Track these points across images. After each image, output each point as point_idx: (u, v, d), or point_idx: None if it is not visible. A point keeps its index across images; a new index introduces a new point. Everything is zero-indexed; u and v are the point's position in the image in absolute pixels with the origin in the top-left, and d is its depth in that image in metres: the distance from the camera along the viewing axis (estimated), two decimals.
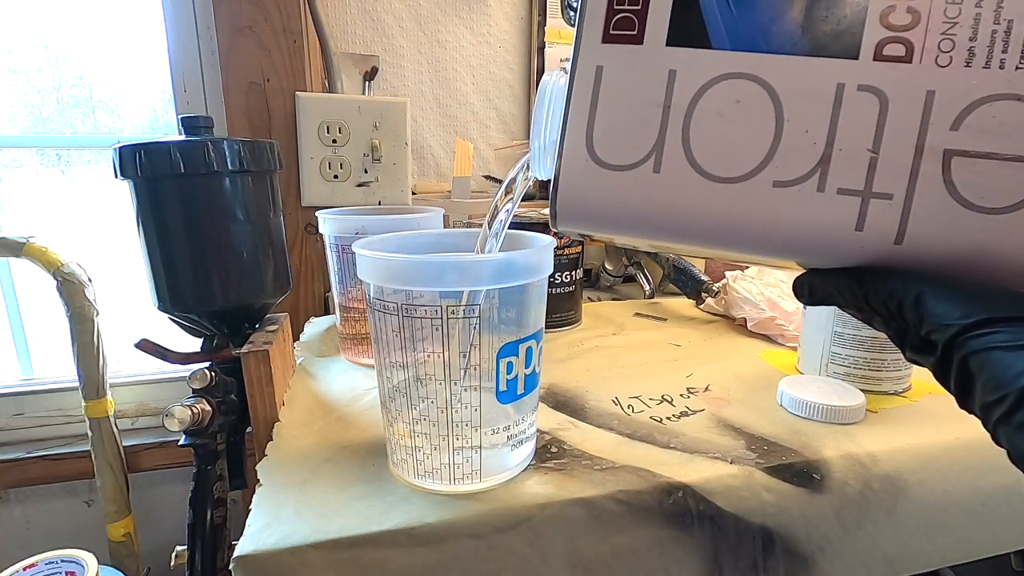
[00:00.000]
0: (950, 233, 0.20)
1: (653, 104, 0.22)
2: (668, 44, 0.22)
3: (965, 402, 0.20)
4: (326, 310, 0.77)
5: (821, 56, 0.21)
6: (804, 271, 0.24)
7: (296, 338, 0.60)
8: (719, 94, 0.22)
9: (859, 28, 0.21)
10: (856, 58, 0.21)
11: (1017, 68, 0.19)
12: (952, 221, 0.20)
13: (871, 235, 0.21)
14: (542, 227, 0.61)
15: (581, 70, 0.23)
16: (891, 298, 0.21)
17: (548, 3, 0.85)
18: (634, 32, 0.23)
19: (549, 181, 0.25)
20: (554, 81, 0.26)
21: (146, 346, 0.46)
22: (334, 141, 0.74)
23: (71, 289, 0.69)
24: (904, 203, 0.21)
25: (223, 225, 0.45)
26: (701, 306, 0.69)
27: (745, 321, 0.61)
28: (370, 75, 0.82)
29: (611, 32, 0.23)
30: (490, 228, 0.33)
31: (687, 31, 0.22)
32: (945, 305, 0.19)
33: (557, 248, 0.60)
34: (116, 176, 0.44)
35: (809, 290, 0.24)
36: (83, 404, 0.72)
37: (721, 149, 0.22)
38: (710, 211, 0.22)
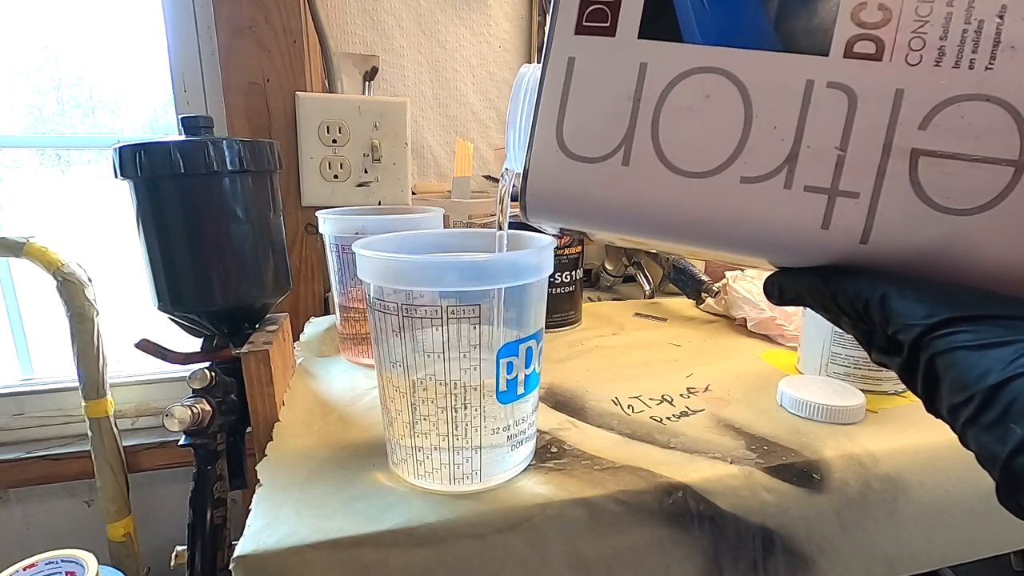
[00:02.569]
0: (916, 233, 0.20)
1: (623, 97, 0.22)
2: (640, 37, 0.22)
3: (932, 404, 0.20)
4: (326, 310, 0.77)
5: (792, 52, 0.21)
6: (775, 271, 0.24)
7: (296, 338, 0.60)
8: (689, 88, 0.22)
9: (830, 24, 0.20)
10: (826, 55, 0.21)
11: (987, 68, 0.19)
12: (918, 221, 0.20)
13: (837, 234, 0.21)
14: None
15: (553, 61, 0.23)
16: (857, 298, 0.21)
17: (548, 3, 0.85)
18: (606, 24, 0.23)
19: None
20: (531, 72, 0.26)
21: (146, 346, 0.46)
22: (334, 141, 0.74)
23: (71, 289, 0.69)
24: (871, 202, 0.21)
25: (223, 225, 0.45)
26: (701, 306, 0.69)
27: (745, 321, 0.61)
28: (370, 75, 0.82)
29: (584, 24, 0.23)
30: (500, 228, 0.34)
31: (659, 24, 0.22)
32: (910, 304, 0.19)
33: (557, 248, 0.60)
34: (116, 176, 0.44)
35: (779, 290, 0.24)
36: (83, 404, 0.73)
37: (690, 143, 0.22)
38: (678, 206, 0.22)
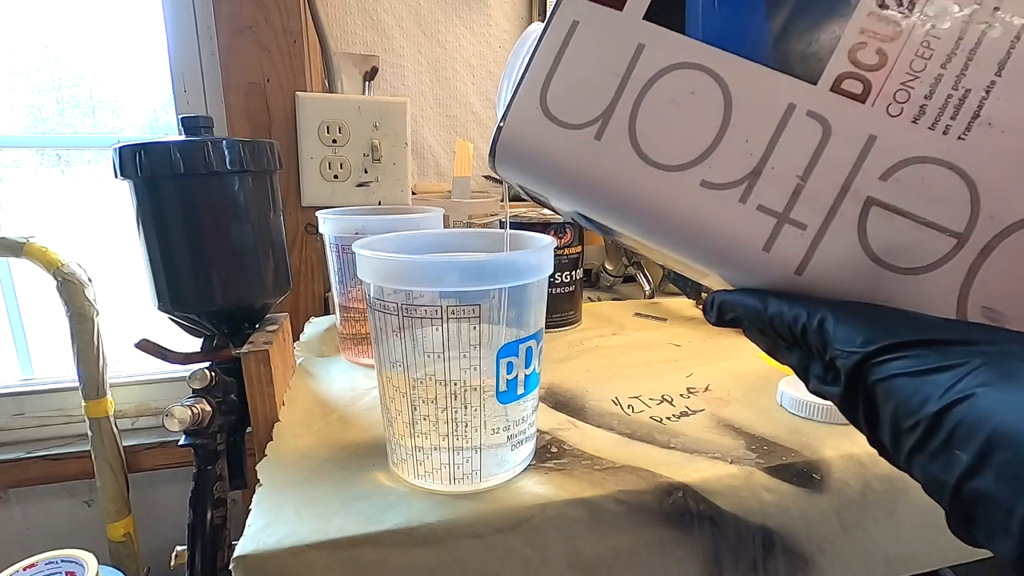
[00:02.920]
0: (848, 277, 0.21)
1: (613, 72, 0.22)
2: (645, 18, 0.22)
3: (875, 435, 0.19)
4: (326, 310, 0.77)
5: (783, 72, 0.21)
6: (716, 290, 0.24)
7: (296, 338, 0.60)
8: (677, 80, 0.22)
9: (826, 56, 0.21)
10: (815, 84, 0.21)
11: (959, 138, 0.19)
12: (853, 266, 0.20)
13: (776, 259, 0.21)
14: (542, 227, 0.61)
15: (557, 20, 0.23)
16: (795, 322, 0.20)
17: (548, 3, 0.85)
18: None
19: None
20: (538, 31, 0.26)
21: (146, 346, 0.46)
22: (334, 141, 0.74)
23: (71, 289, 0.69)
24: (815, 237, 0.21)
25: (223, 225, 0.45)
26: (701, 306, 0.69)
27: None
28: (370, 75, 0.82)
29: None
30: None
31: (666, 11, 0.22)
32: (847, 330, 0.19)
33: (557, 248, 0.60)
34: (116, 176, 0.44)
35: (718, 309, 0.24)
36: (83, 404, 0.73)
37: (663, 135, 0.22)
38: (637, 191, 0.22)
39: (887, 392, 0.17)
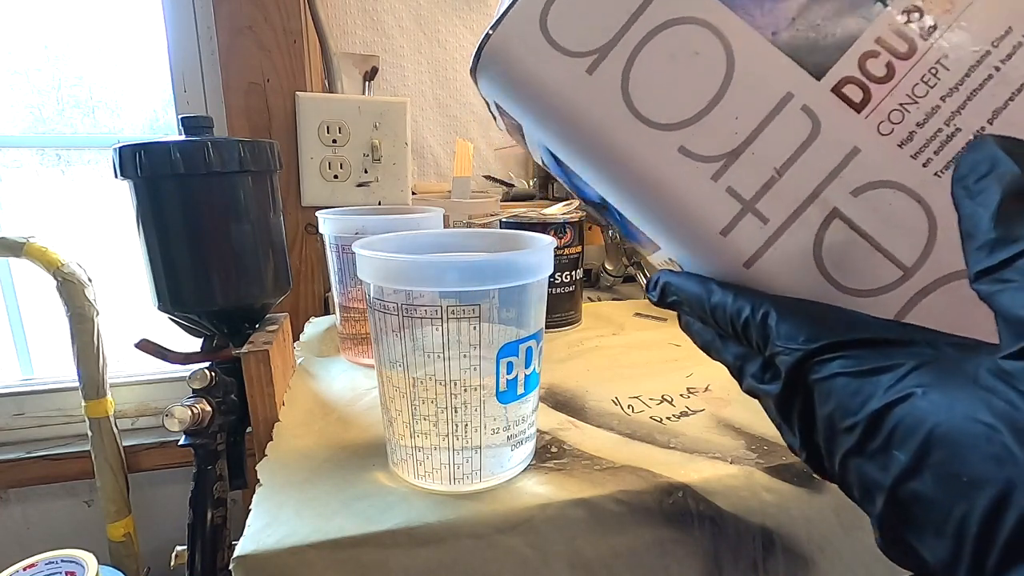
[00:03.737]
0: (792, 283, 0.20)
1: (623, 10, 0.21)
2: None
3: (806, 439, 0.19)
4: (326, 310, 0.77)
5: (790, 57, 0.21)
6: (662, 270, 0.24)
7: (296, 338, 0.60)
8: (685, 35, 0.21)
9: (838, 54, 0.20)
10: (818, 79, 0.20)
11: (936, 175, 0.19)
12: (800, 273, 0.20)
13: (730, 246, 0.21)
14: (542, 227, 0.61)
15: None
16: (738, 314, 0.20)
17: None
18: None
19: None
20: None
21: (146, 346, 0.46)
22: (334, 141, 0.74)
23: (71, 289, 0.69)
24: (773, 234, 0.20)
25: (223, 225, 0.45)
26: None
27: None
28: (370, 75, 0.82)
29: None
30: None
31: None
32: (789, 327, 0.18)
33: (557, 248, 0.60)
34: (116, 176, 0.44)
35: (661, 289, 0.24)
36: (83, 404, 0.73)
37: (655, 88, 0.21)
38: (613, 137, 0.22)
39: (827, 391, 0.17)
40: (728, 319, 0.21)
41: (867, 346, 0.17)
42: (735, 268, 0.21)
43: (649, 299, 0.25)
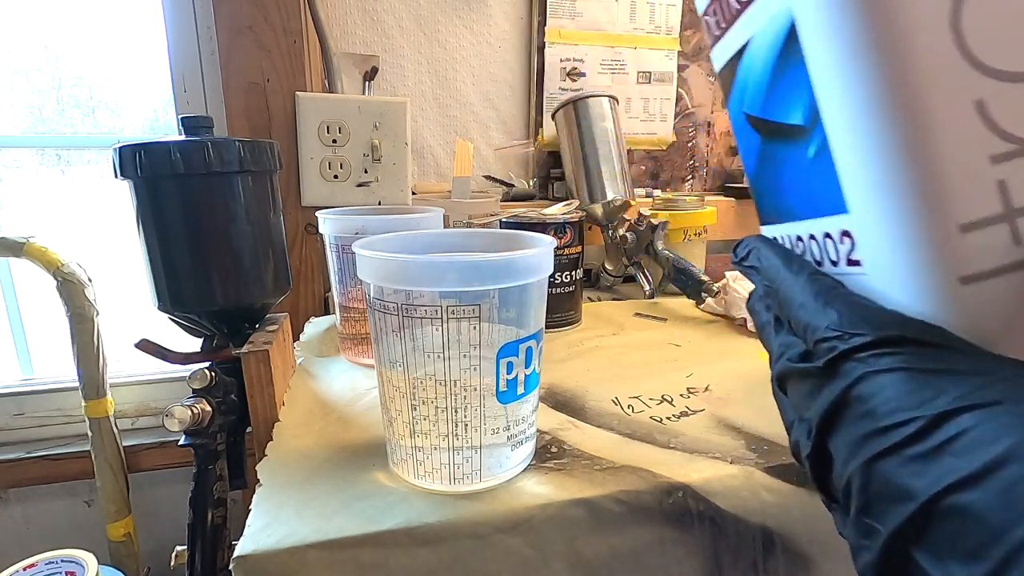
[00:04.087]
0: (1013, 327, 0.17)
1: None
2: None
3: (821, 437, 0.18)
4: (326, 310, 0.77)
5: None
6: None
7: (296, 338, 0.60)
8: None
9: None
10: None
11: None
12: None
13: (957, 249, 0.16)
14: (542, 227, 0.61)
15: None
16: (810, 289, 0.20)
17: (548, 3, 0.85)
18: None
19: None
20: None
21: (146, 346, 0.46)
22: (334, 141, 0.74)
23: (71, 289, 0.69)
24: (1023, 260, 0.16)
25: (223, 225, 0.45)
26: (701, 306, 0.69)
27: (745, 321, 0.61)
28: (370, 75, 0.82)
29: None
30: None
31: None
32: (852, 317, 0.18)
33: (557, 248, 0.60)
34: (116, 176, 0.44)
35: (748, 251, 0.23)
36: (83, 404, 0.73)
37: (994, 17, 0.16)
38: (913, 48, 0.16)
39: (878, 385, 0.16)
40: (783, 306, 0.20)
41: (932, 347, 0.16)
42: (944, 278, 0.17)
43: (731, 258, 0.24)
